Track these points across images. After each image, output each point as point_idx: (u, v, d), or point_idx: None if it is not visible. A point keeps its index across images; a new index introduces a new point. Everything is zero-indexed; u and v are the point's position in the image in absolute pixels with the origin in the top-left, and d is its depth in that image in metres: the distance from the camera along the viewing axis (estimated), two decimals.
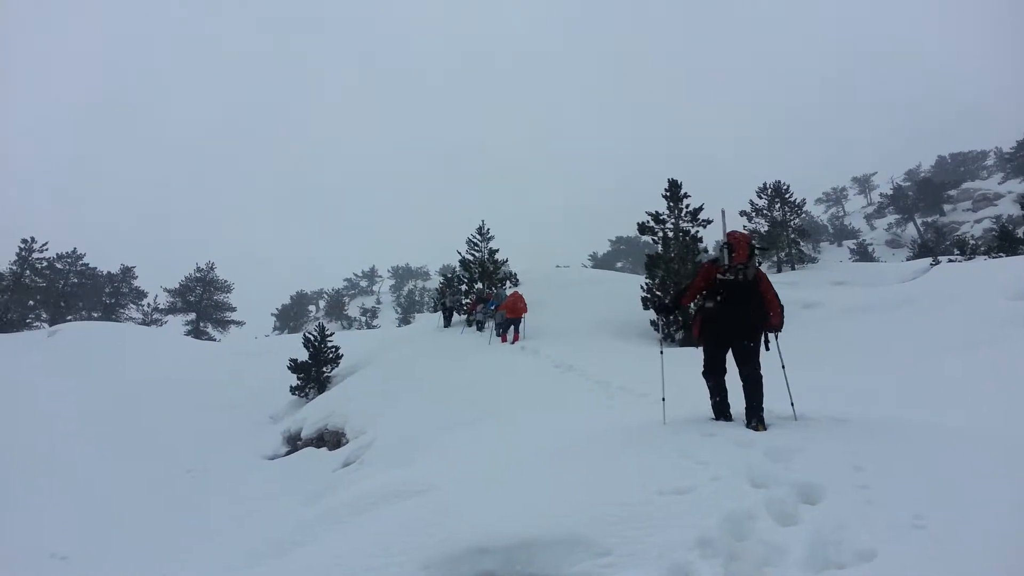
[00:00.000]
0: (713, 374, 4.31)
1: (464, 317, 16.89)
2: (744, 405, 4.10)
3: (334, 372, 15.73)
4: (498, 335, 13.91)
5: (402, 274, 74.22)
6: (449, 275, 20.23)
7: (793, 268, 27.11)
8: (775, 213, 27.95)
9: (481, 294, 16.19)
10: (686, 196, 15.47)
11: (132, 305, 39.97)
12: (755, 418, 3.97)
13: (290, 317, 60.25)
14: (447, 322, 17.29)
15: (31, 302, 33.67)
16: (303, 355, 15.68)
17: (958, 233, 42.21)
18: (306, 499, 7.71)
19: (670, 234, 15.16)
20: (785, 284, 19.41)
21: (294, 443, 11.99)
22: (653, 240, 15.42)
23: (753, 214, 28.38)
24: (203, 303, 40.32)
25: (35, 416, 12.97)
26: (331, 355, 15.82)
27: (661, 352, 5.19)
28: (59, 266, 35.53)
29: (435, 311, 22.61)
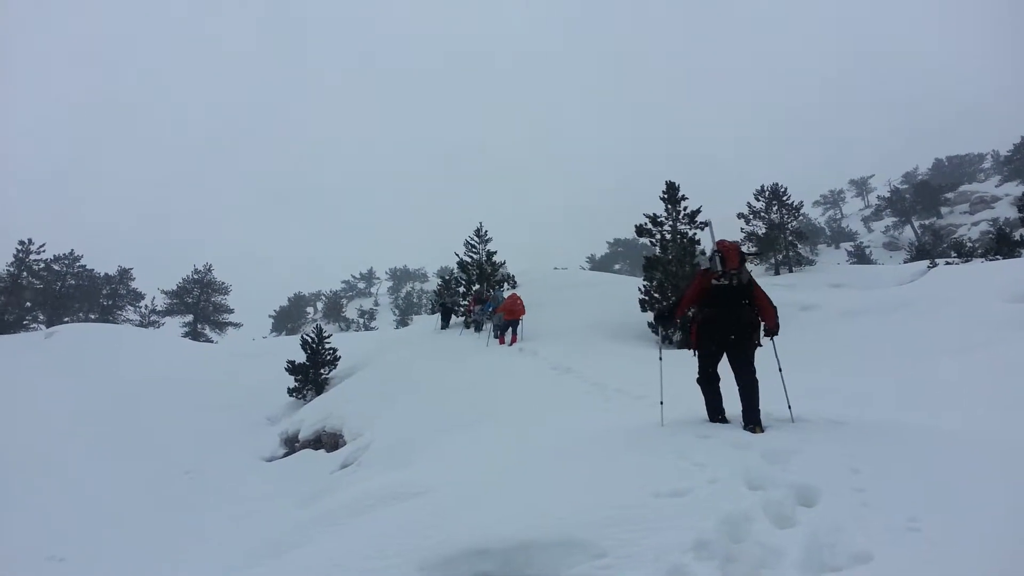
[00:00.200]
0: (708, 381, 4.37)
1: (462, 319, 16.90)
2: (740, 408, 4.12)
3: (332, 374, 15.71)
4: (496, 337, 13.93)
5: (400, 276, 74.16)
6: (447, 276, 20.20)
7: (791, 270, 27.19)
8: (773, 216, 28.05)
9: (480, 294, 16.19)
10: (684, 198, 15.50)
11: (129, 307, 39.93)
12: (752, 420, 4.00)
13: (288, 319, 60.21)
14: (445, 324, 17.29)
15: (28, 303, 33.59)
16: (301, 357, 15.65)
17: (955, 236, 42.26)
18: (303, 501, 7.69)
19: (668, 236, 15.18)
20: (782, 286, 19.50)
21: (292, 445, 11.97)
22: (651, 242, 15.44)
23: (751, 216, 28.46)
24: (201, 305, 40.18)
25: (32, 417, 12.92)
26: (329, 357, 15.80)
27: (660, 358, 5.21)
28: (56, 267, 35.49)
29: (433, 313, 22.59)
